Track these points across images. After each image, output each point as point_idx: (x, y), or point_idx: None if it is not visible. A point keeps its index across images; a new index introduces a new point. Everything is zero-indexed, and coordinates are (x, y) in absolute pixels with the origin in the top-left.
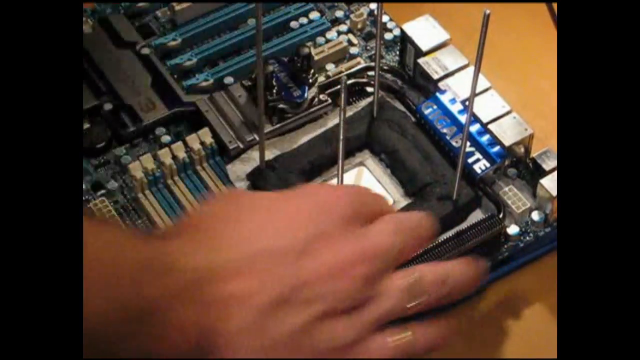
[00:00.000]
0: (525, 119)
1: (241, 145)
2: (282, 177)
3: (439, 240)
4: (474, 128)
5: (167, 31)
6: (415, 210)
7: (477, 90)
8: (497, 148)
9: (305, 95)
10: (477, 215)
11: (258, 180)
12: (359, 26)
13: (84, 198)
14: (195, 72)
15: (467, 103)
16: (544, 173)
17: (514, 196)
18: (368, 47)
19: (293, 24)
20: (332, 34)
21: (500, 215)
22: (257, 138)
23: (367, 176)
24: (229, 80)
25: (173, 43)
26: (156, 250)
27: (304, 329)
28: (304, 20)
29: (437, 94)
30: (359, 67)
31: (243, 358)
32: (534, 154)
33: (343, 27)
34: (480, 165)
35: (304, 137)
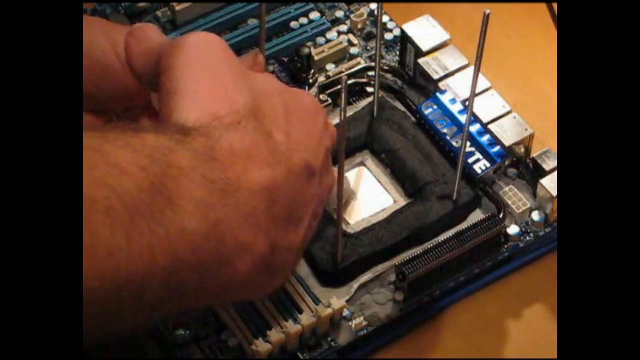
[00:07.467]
0: (525, 119)
1: None
2: None
3: (439, 240)
4: (474, 128)
5: (167, 31)
6: (414, 209)
7: (477, 90)
8: (497, 148)
9: None
10: (477, 215)
11: None
12: (359, 26)
13: None
14: None
15: (467, 103)
16: (544, 173)
17: (514, 196)
18: (368, 47)
19: (293, 24)
20: (332, 34)
21: (500, 215)
22: None
23: (367, 176)
24: None
25: None
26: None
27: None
28: (304, 20)
29: (437, 94)
30: (359, 67)
31: None
32: (534, 154)
33: (343, 27)
34: (480, 165)
35: None
